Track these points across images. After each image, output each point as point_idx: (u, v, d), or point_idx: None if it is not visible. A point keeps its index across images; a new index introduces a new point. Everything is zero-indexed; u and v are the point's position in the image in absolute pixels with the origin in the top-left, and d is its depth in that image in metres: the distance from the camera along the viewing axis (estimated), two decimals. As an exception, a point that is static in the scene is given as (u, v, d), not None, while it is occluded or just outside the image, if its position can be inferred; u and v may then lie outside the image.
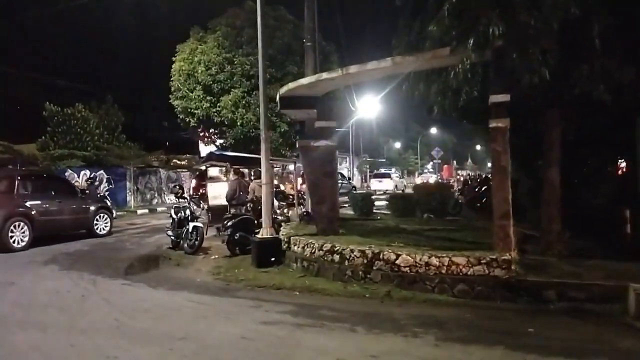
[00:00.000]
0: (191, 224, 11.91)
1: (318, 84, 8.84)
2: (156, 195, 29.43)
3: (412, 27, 9.60)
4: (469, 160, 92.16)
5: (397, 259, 7.55)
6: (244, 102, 21.68)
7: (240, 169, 14.43)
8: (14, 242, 11.98)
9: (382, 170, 46.69)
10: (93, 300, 7.35)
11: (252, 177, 14.90)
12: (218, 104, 21.97)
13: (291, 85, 9.33)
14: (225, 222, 11.66)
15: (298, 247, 9.43)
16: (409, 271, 7.42)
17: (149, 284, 8.52)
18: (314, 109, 10.23)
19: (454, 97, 8.41)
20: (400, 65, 7.54)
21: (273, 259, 9.73)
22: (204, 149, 34.80)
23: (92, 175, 23.48)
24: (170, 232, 12.73)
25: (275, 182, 17.20)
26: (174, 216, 12.87)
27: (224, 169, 16.01)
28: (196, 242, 11.79)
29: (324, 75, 8.37)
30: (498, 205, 7.32)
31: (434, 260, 7.26)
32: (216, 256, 11.37)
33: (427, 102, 10.61)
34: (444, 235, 9.89)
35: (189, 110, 22.63)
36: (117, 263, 10.76)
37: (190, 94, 22.43)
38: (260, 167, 15.96)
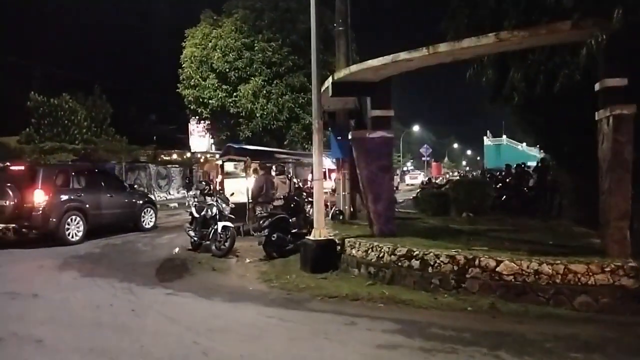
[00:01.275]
0: (220, 224, 10.76)
1: (390, 66, 7.82)
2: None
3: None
4: (446, 159, 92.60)
5: (497, 266, 6.60)
6: (264, 91, 20.25)
7: (267, 164, 13.28)
8: (69, 235, 12.18)
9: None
10: (150, 317, 6.21)
11: (275, 173, 13.77)
12: (234, 94, 20.41)
13: (353, 68, 8.28)
14: (261, 222, 10.55)
15: (358, 250, 8.42)
16: (513, 280, 6.48)
17: (198, 294, 7.41)
18: (367, 96, 9.25)
19: (545, 82, 7.49)
20: (504, 43, 6.57)
21: (328, 263, 8.69)
22: (196, 144, 33.48)
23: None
24: (192, 233, 11.56)
25: (295, 179, 16.07)
26: (196, 215, 11.70)
27: (241, 164, 14.83)
28: (226, 244, 10.65)
29: (402, 55, 7.34)
30: (616, 205, 6.46)
31: (546, 268, 6.33)
32: (250, 259, 10.30)
33: (492, 90, 9.81)
34: (513, 237, 8.99)
35: (200, 100, 20.99)
36: (141, 268, 9.66)
37: (203, 82, 20.76)
38: (282, 162, 15.07)
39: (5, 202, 11.65)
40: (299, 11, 19.46)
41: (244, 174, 14.29)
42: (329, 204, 13.32)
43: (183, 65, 20.96)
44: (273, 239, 10.30)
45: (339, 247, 8.91)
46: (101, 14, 41.06)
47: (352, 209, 12.67)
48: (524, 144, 75.01)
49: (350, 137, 9.44)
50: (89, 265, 10.00)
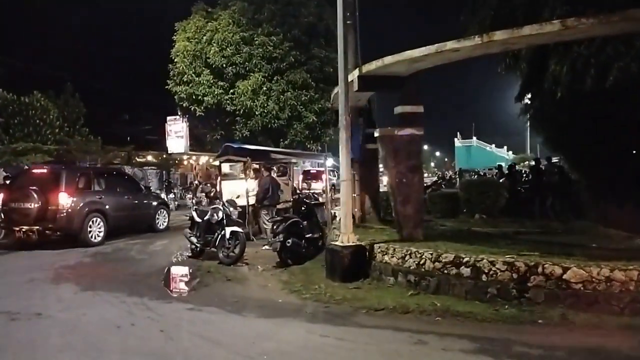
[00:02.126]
0: (227, 230, 9.94)
1: (431, 57, 7.21)
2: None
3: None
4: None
5: (564, 273, 6.04)
6: (264, 88, 19.14)
7: (271, 166, 12.50)
8: (91, 237, 12.25)
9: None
10: (185, 339, 5.41)
11: (276, 174, 13.02)
12: (231, 91, 19.25)
13: (387, 59, 7.61)
14: (274, 227, 9.81)
15: (392, 257, 7.76)
16: (583, 288, 5.94)
17: (225, 309, 6.64)
18: (395, 92, 8.64)
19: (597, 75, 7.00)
20: (568, 31, 6.02)
21: (359, 271, 8.02)
22: (173, 145, 32.17)
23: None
24: (193, 239, 10.69)
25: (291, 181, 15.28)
26: (198, 219, 10.83)
27: (237, 165, 14.00)
28: (235, 251, 9.85)
29: (450, 44, 6.73)
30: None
31: (619, 275, 5.82)
32: (263, 267, 9.55)
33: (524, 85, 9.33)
34: (551, 240, 8.53)
35: (194, 97, 19.74)
36: (145, 279, 8.83)
37: (197, 78, 19.53)
38: (284, 163, 14.34)
39: (30, 205, 11.70)
40: (301, 4, 18.70)
41: (242, 176, 13.48)
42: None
43: (175, 60, 19.64)
44: (288, 244, 9.55)
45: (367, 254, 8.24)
46: (71, 5, 39.09)
47: (361, 212, 12.01)
48: (493, 145, 76.26)
49: (376, 134, 8.78)
50: (85, 276, 9.06)
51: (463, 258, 6.80)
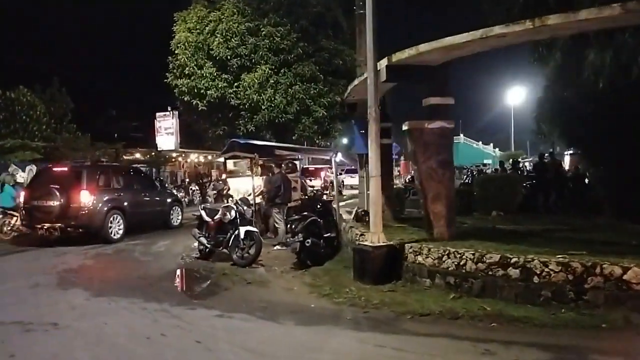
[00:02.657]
0: (242, 229, 9.42)
1: (473, 44, 6.78)
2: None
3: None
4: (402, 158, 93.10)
5: (624, 273, 5.67)
6: (271, 81, 18.19)
7: (282, 162, 11.99)
8: (112, 234, 12.36)
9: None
10: (227, 351, 4.91)
11: (285, 171, 12.49)
12: (236, 84, 18.32)
13: (423, 47, 7.15)
14: (292, 226, 9.31)
15: (427, 257, 7.32)
16: (646, 290, 5.56)
17: (257, 315, 6.17)
18: (424, 82, 8.21)
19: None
20: (630, 15, 5.61)
21: (391, 273, 7.57)
22: (163, 142, 31.33)
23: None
24: (203, 239, 10.14)
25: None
26: (207, 218, 10.28)
27: (242, 161, 13.45)
28: (250, 252, 9.34)
29: (496, 29, 6.29)
30: None
31: (686, 275, 5.45)
32: (281, 268, 9.07)
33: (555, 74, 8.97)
34: (585, 238, 8.12)
35: (196, 90, 18.71)
36: (158, 282, 8.33)
37: (198, 71, 18.55)
38: (292, 159, 13.83)
39: (53, 203, 11.81)
40: (309, -7, 17.90)
41: (248, 172, 12.94)
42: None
43: (176, 52, 18.77)
44: (307, 244, 9.07)
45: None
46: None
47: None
48: (480, 142, 76.67)
49: (405, 127, 8.31)
50: (92, 280, 8.52)
51: (511, 259, 6.39)
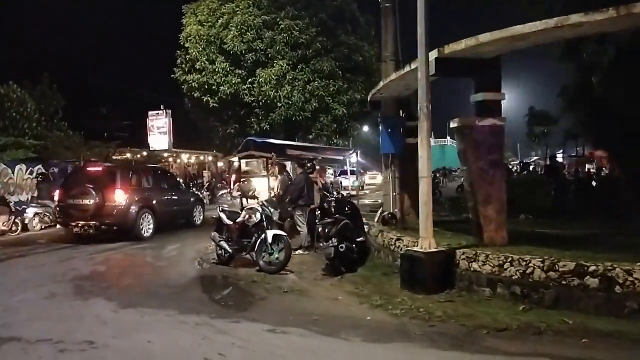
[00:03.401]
0: (269, 233, 8.78)
1: (544, 34, 6.25)
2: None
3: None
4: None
5: None
6: (289, 77, 17.14)
7: (306, 163, 11.35)
8: (143, 232, 12.72)
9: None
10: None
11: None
12: (249, 80, 17.25)
13: (484, 37, 6.59)
14: (324, 230, 8.68)
15: (483, 264, 6.79)
16: None
17: (312, 330, 5.61)
18: (474, 76, 7.70)
19: None
20: None
21: (445, 281, 7.02)
22: (155, 142, 30.46)
23: (39, 171, 18.76)
24: (223, 243, 9.46)
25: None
26: (228, 222, 9.61)
27: (256, 161, 12.79)
28: (279, 258, 8.70)
29: (574, 18, 5.77)
30: None
31: None
32: (312, 275, 8.50)
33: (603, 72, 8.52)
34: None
35: (207, 86, 17.52)
36: (184, 291, 7.81)
37: (210, 66, 17.42)
38: (310, 159, 13.15)
39: (89, 202, 12.14)
40: (328, -16, 16.97)
41: (264, 173, 12.29)
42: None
43: (186, 46, 17.74)
44: (341, 250, 8.46)
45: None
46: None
47: (401, 213, 11.02)
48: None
49: (454, 125, 7.76)
50: (112, 289, 7.81)
51: (588, 267, 5.87)
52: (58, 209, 13.03)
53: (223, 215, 9.79)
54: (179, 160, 34.38)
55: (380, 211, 11.25)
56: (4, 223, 14.06)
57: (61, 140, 21.53)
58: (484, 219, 7.62)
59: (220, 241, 9.54)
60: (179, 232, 13.98)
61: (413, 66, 7.87)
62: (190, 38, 17.12)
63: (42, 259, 10.45)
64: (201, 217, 15.76)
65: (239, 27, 16.29)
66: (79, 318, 6.15)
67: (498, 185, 7.67)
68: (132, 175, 13.30)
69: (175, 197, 14.71)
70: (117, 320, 6.07)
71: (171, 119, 30.11)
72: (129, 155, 30.67)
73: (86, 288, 7.77)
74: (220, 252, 9.74)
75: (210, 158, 34.82)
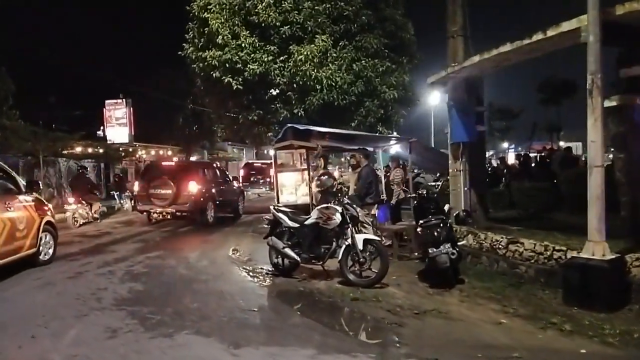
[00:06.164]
0: (359, 238, 7.14)
1: None
2: (56, 194, 21.91)
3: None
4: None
5: None
6: (330, 55, 14.51)
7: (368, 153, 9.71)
8: (209, 218, 14.29)
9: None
10: None
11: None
12: (281, 58, 14.50)
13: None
14: (432, 232, 7.13)
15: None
16: None
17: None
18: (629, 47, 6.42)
19: None
20: None
21: (624, 296, 5.70)
22: (114, 134, 27.44)
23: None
24: (289, 251, 7.69)
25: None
26: (293, 224, 7.81)
27: (295, 152, 11.03)
28: (373, 268, 7.08)
29: None
30: None
31: None
32: (418, 286, 7.04)
33: None
34: None
35: (228, 64, 14.55)
36: (278, 316, 6.09)
37: (232, 41, 14.47)
38: (355, 150, 11.50)
39: (169, 191, 13.62)
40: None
41: (299, 166, 10.57)
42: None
43: (204, 16, 14.64)
44: (453, 257, 6.96)
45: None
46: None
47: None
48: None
49: (608, 104, 6.41)
50: (168, 316, 5.83)
51: None
52: (138, 197, 14.51)
53: (284, 217, 7.94)
54: (135, 157, 31.22)
55: (447, 208, 9.81)
56: (95, 211, 15.19)
57: (16, 130, 18.56)
58: (642, 216, 6.37)
59: (283, 248, 7.75)
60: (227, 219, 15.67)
61: (535, 38, 6.47)
62: (210, 7, 14.42)
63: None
64: (242, 209, 17.42)
65: (272, -5, 13.78)
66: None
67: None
68: (199, 169, 15.39)
69: (227, 189, 16.32)
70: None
71: (131, 108, 27.20)
72: (80, 149, 27.42)
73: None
74: (277, 260, 7.98)
75: (170, 152, 32.10)
